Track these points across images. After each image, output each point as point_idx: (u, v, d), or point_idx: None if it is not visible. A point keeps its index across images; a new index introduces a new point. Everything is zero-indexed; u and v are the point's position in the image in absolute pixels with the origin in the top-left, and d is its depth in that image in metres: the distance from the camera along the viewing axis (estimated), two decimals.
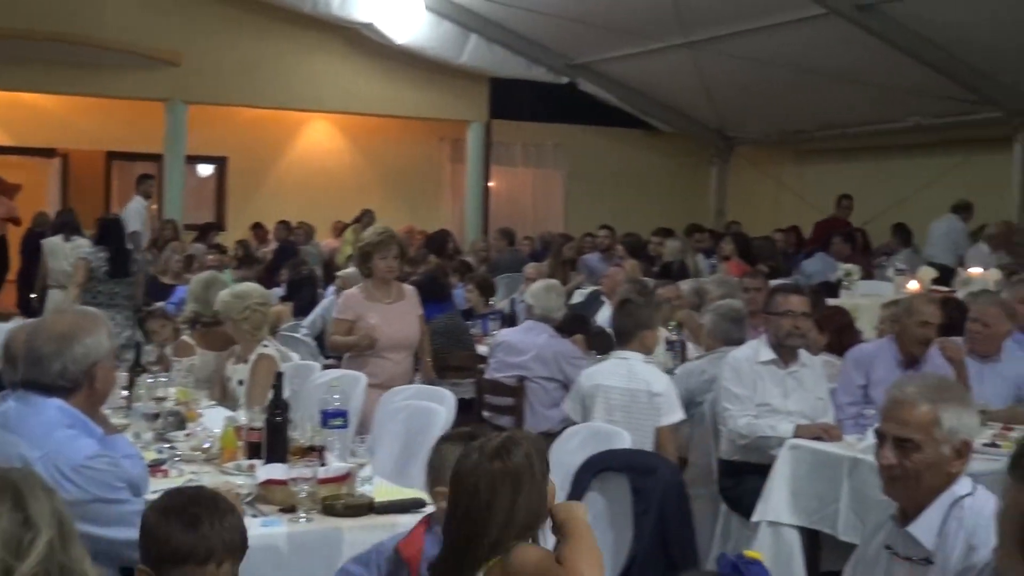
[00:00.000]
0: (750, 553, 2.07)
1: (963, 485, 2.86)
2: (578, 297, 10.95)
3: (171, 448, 4.45)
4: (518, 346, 7.00)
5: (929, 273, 9.95)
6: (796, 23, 12.71)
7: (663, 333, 7.29)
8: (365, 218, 14.75)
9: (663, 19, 13.07)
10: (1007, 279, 9.64)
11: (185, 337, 6.37)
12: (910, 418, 2.90)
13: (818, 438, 5.17)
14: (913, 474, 2.86)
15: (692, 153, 18.42)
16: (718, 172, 18.36)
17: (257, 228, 15.73)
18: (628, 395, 5.57)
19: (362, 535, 3.58)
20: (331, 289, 10.13)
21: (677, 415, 5.62)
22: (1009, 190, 14.01)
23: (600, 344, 7.51)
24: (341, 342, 6.41)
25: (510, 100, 16.93)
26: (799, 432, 5.24)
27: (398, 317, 6.38)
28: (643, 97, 17.14)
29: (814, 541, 5.11)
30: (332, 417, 4.35)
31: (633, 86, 16.85)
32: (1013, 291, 6.79)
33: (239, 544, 2.56)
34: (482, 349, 7.97)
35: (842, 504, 4.85)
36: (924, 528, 2.84)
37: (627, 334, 5.76)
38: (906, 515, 2.89)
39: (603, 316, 9.03)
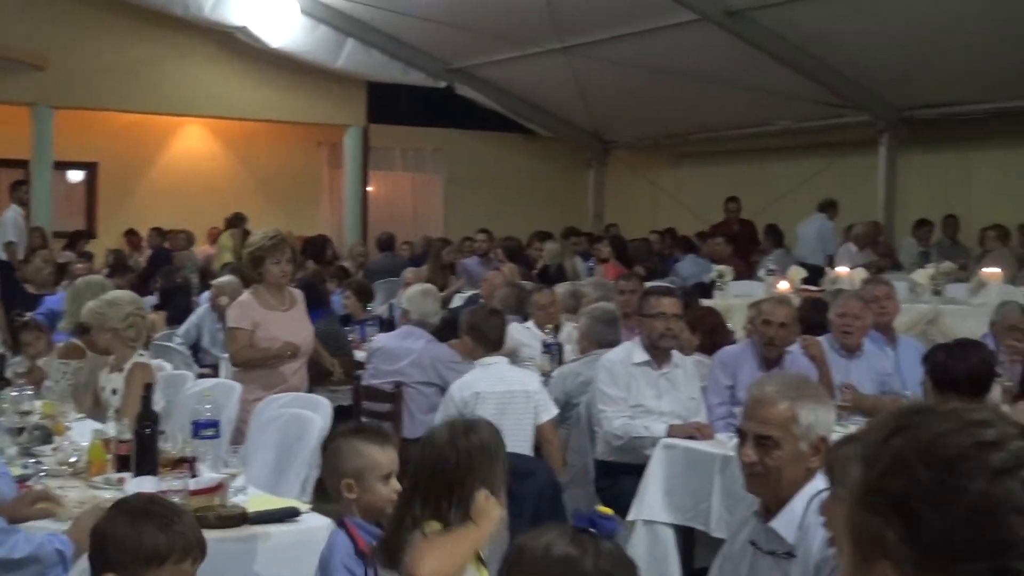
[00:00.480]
0: (603, 508, 2.12)
1: (822, 479, 2.95)
2: (458, 301, 10.97)
3: (37, 463, 4.34)
4: (395, 352, 6.99)
5: (799, 273, 10.19)
6: (669, 29, 12.92)
7: (540, 336, 7.36)
8: (237, 222, 14.57)
9: (539, 24, 13.17)
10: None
11: (74, 340, 6.21)
12: (769, 416, 2.99)
13: (691, 437, 5.27)
14: (774, 471, 2.94)
15: (570, 157, 18.59)
16: (595, 175, 18.56)
17: (131, 235, 15.41)
18: (506, 398, 5.62)
19: (235, 546, 3.54)
20: (205, 297, 9.98)
21: (554, 410, 5.76)
22: (875, 191, 14.45)
23: None
24: (255, 354, 5.99)
25: (388, 104, 16.87)
26: (672, 432, 5.34)
27: (295, 324, 6.15)
28: (521, 101, 17.24)
29: (688, 538, 5.20)
30: (204, 427, 4.29)
31: (511, 90, 16.95)
32: (867, 289, 6.98)
33: (204, 540, 2.63)
34: (360, 355, 7.93)
35: (714, 501, 4.95)
36: (786, 523, 2.92)
37: (489, 347, 5.85)
38: (768, 511, 2.97)
39: None
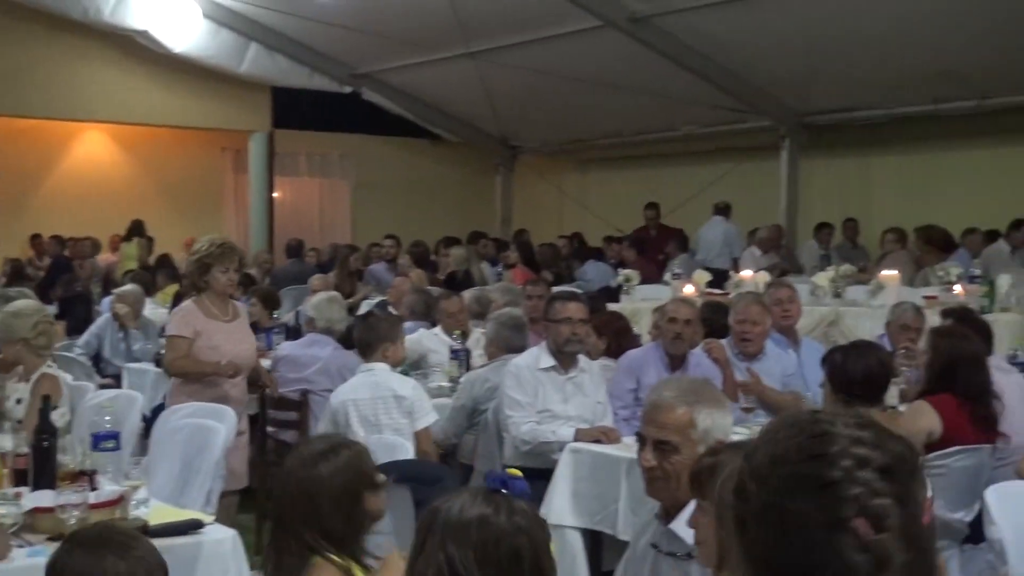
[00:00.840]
0: (513, 471, 2.22)
1: None
2: (365, 308, 10.91)
3: None
4: (301, 360, 6.93)
5: (703, 277, 10.31)
6: (574, 34, 13.01)
7: (447, 342, 7.36)
8: (137, 230, 14.34)
9: (445, 29, 13.17)
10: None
11: None
12: (667, 421, 3.02)
13: (597, 441, 5.31)
14: (673, 475, 2.98)
15: (477, 162, 18.62)
16: (503, 181, 18.62)
17: (36, 240, 15.06)
18: (380, 404, 5.52)
19: None
20: (107, 305, 9.80)
21: (431, 416, 5.65)
22: (777, 195, 14.70)
23: None
24: (191, 367, 5.65)
25: (294, 109, 16.74)
26: (579, 436, 5.37)
27: (238, 335, 5.82)
28: (428, 107, 17.23)
29: (596, 542, 5.23)
30: (103, 439, 4.20)
31: (417, 96, 16.92)
32: (769, 293, 7.10)
33: (164, 562, 2.58)
34: (266, 363, 7.83)
35: (621, 504, 4.99)
36: (685, 525, 2.95)
37: (370, 346, 5.73)
38: (669, 513, 3.00)
39: None
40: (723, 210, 14.19)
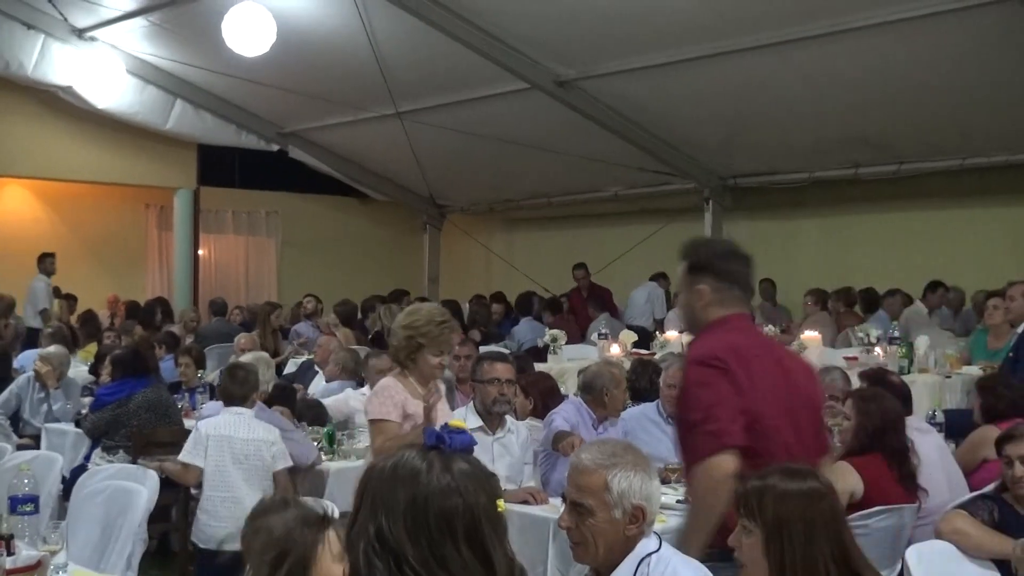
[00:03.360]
0: (455, 423, 2.03)
1: (650, 543, 3.01)
2: (292, 367, 10.82)
3: None
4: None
5: (630, 337, 10.41)
6: (501, 96, 13.15)
7: None
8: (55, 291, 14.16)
9: (373, 90, 13.22)
10: None
11: None
12: (584, 483, 3.04)
13: (525, 502, 5.30)
14: (591, 538, 2.99)
15: (405, 221, 18.65)
16: (430, 240, 18.67)
17: None
18: (251, 445, 6.04)
19: None
20: (25, 361, 9.61)
21: (289, 462, 6.12)
22: None
23: (313, 416, 7.44)
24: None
25: (220, 166, 16.67)
26: (506, 497, 5.34)
27: (442, 419, 4.97)
28: (355, 166, 17.26)
29: None
30: (21, 503, 4.13)
31: (345, 154, 16.95)
32: None
33: None
34: (190, 423, 7.72)
35: (549, 566, 4.97)
36: None
37: (245, 398, 6.27)
38: (599, 574, 3.01)
39: (317, 386, 8.96)
40: (658, 277, 14.36)
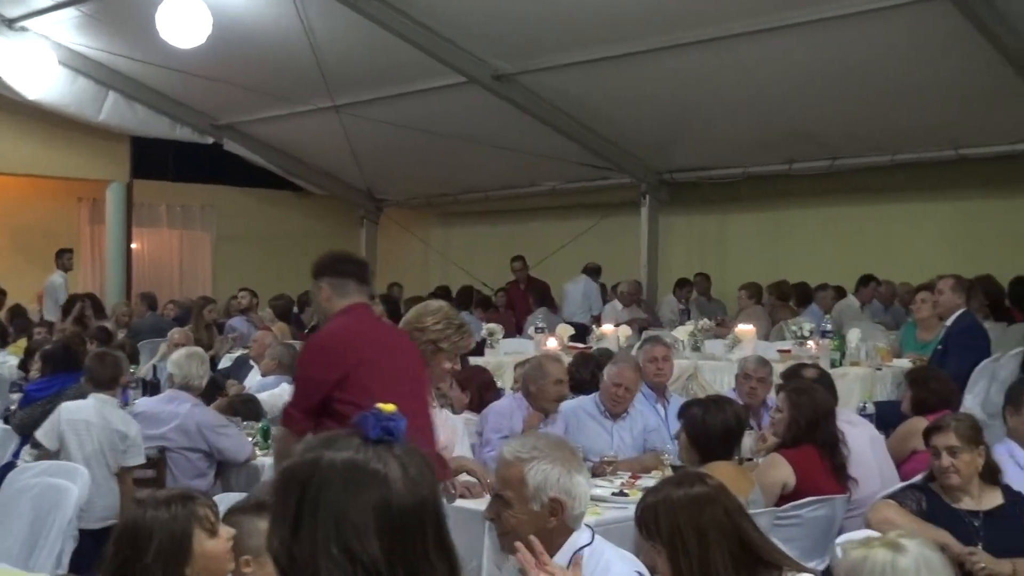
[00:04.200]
0: (386, 406, 1.80)
1: (582, 536, 3.02)
2: (227, 362, 10.73)
3: None
4: (159, 416, 6.75)
5: (567, 331, 10.44)
6: (439, 90, 13.10)
7: None
8: None
9: (309, 82, 13.13)
10: (638, 334, 10.30)
11: None
12: (503, 475, 3.07)
13: (461, 496, 5.29)
14: (511, 529, 3.00)
15: (342, 215, 18.54)
16: (368, 234, 18.58)
17: None
18: (105, 435, 6.08)
19: None
20: None
21: (140, 459, 6.19)
22: (638, 250, 14.98)
23: (248, 411, 7.39)
24: None
25: (154, 159, 16.47)
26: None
27: (440, 423, 5.20)
28: (291, 159, 17.12)
29: None
30: None
31: (281, 148, 16.81)
32: (645, 350, 7.23)
33: None
34: None
35: (484, 559, 4.96)
36: None
37: (104, 382, 6.38)
38: None
39: (252, 380, 8.89)
40: (592, 272, 14.41)
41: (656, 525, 2.87)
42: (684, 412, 5.09)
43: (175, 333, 10.41)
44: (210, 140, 16.39)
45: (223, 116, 16.01)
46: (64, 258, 14.90)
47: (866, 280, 12.55)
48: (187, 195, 17.52)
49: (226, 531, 2.97)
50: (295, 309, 13.26)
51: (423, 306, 4.91)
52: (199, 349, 7.59)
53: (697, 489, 2.91)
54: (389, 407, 1.79)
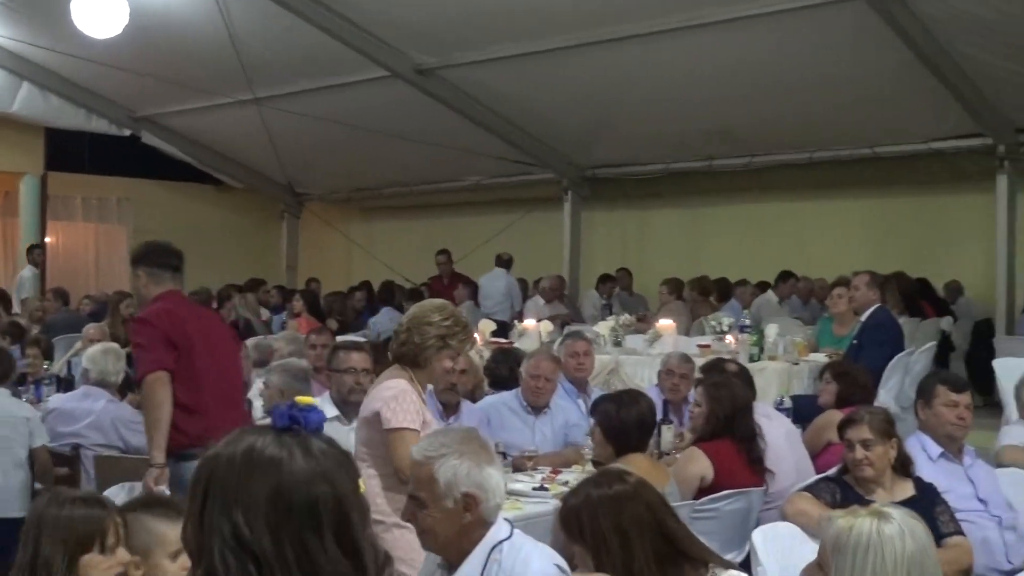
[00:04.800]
0: (303, 399, 1.78)
1: (501, 530, 3.01)
2: None
3: None
4: (73, 413, 6.65)
5: (488, 326, 10.43)
6: (360, 84, 13.02)
7: None
8: None
9: (229, 74, 12.96)
10: (560, 330, 10.33)
11: None
12: (415, 476, 3.04)
13: None
14: (428, 529, 2.98)
15: (263, 209, 18.36)
16: (288, 228, 18.42)
17: None
18: (7, 425, 6.07)
19: None
20: None
21: (46, 438, 6.22)
22: (561, 245, 15.03)
23: None
24: None
25: (69, 151, 16.13)
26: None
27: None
28: (211, 152, 16.90)
29: None
30: None
31: (200, 140, 16.59)
32: (566, 345, 7.26)
33: None
34: (37, 414, 7.47)
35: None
36: (467, 575, 2.96)
37: (6, 376, 6.48)
38: (452, 564, 3.01)
39: None
40: (505, 262, 14.42)
41: (579, 527, 2.87)
42: (596, 408, 5.12)
43: (90, 328, 10.22)
44: (127, 132, 16.13)
45: (141, 108, 15.76)
46: (34, 254, 15.07)
47: (785, 276, 12.72)
48: (103, 188, 17.20)
49: (123, 555, 2.91)
50: (214, 304, 13.09)
51: (428, 302, 4.73)
52: (115, 345, 7.48)
53: (616, 488, 2.92)
54: (306, 399, 1.77)
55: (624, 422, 4.87)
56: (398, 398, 4.28)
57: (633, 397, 5.07)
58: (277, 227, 18.44)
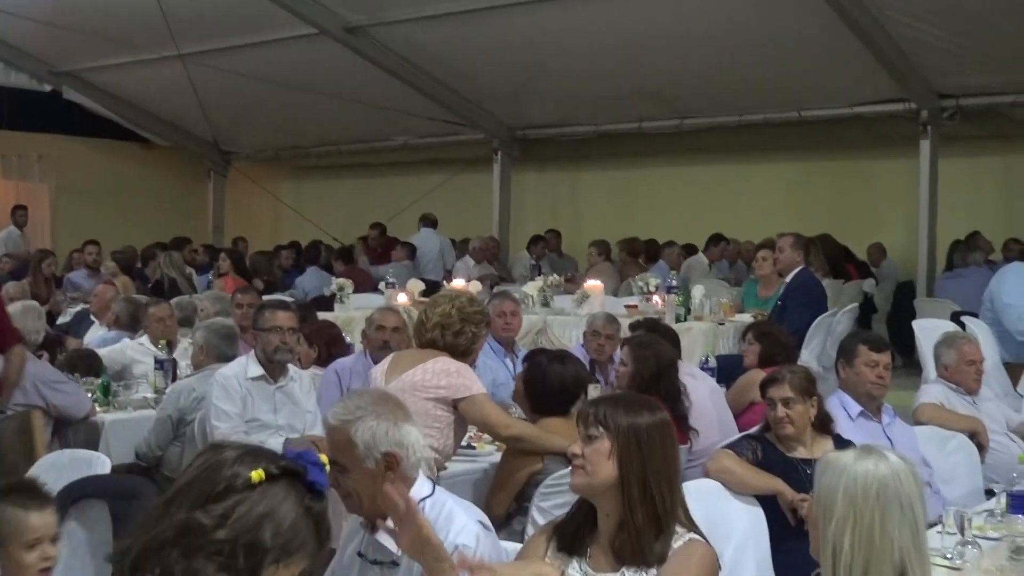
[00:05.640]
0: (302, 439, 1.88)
1: (423, 488, 3.01)
2: (67, 317, 10.41)
3: None
4: None
5: (417, 286, 10.42)
6: (288, 41, 12.85)
7: (153, 351, 7.12)
8: None
9: (153, 29, 12.68)
10: (489, 290, 10.33)
11: None
12: (333, 441, 2.99)
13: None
14: (354, 493, 2.95)
15: (189, 167, 18.11)
16: (215, 187, 18.18)
17: None
18: None
19: None
20: None
21: None
22: (491, 206, 15.02)
23: (87, 366, 7.17)
24: (540, 438, 4.77)
25: None
26: (289, 446, 5.30)
27: None
28: (135, 108, 16.60)
29: None
30: None
31: (124, 97, 16.27)
32: (493, 304, 7.26)
33: None
34: None
35: (330, 512, 4.94)
36: (387, 535, 2.95)
37: None
38: (373, 524, 2.99)
39: (92, 336, 8.65)
40: (432, 222, 14.39)
41: (614, 423, 2.96)
42: (530, 358, 5.14)
43: (10, 287, 10.05)
44: (48, 88, 15.79)
45: (62, 63, 15.42)
46: (17, 215, 14.93)
47: (716, 239, 12.84)
48: (23, 144, 16.80)
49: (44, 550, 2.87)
50: (138, 263, 12.92)
51: (459, 296, 5.02)
52: (35, 303, 7.36)
53: (660, 417, 3.10)
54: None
55: (546, 381, 4.89)
56: (462, 372, 4.68)
57: (565, 360, 5.01)
58: (204, 186, 18.21)
